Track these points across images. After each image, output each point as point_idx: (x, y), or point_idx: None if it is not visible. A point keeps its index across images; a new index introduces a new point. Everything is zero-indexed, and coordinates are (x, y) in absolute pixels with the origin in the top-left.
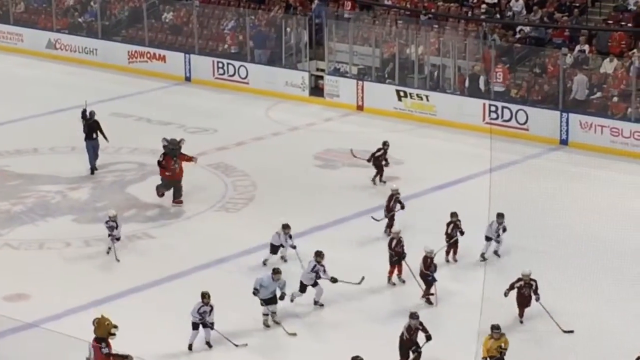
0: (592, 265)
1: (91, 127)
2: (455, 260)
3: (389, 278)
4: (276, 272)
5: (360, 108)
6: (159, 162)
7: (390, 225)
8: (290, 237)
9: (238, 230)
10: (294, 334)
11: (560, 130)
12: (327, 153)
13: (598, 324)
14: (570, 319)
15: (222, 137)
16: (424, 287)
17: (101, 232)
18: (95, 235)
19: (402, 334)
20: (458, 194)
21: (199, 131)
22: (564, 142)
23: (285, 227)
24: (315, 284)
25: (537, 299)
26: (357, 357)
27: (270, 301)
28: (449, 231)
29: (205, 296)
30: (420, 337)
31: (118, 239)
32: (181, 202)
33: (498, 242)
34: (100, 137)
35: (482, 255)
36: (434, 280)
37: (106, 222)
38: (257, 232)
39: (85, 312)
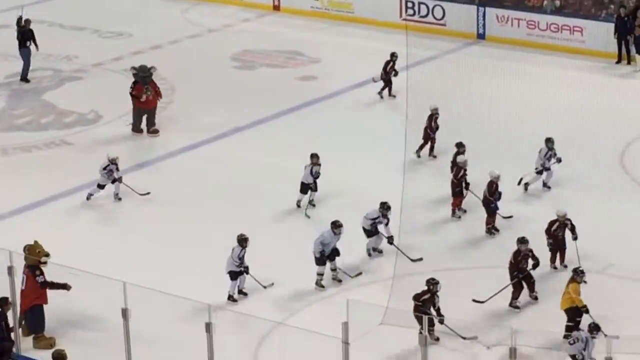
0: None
1: (25, 35)
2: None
3: (454, 211)
4: (337, 225)
5: (276, 8)
6: (131, 94)
7: (430, 147)
8: (318, 174)
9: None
10: (360, 274)
11: (477, 25)
12: (245, 54)
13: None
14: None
15: (138, 41)
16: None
17: (19, 140)
18: (12, 144)
19: (510, 260)
20: (376, 92)
21: (114, 36)
22: (481, 36)
23: (313, 156)
24: (374, 233)
25: (575, 238)
26: (432, 279)
27: (332, 257)
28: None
29: (246, 240)
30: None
31: (120, 180)
32: (157, 131)
33: (548, 170)
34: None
35: (525, 184)
36: (497, 208)
37: (104, 168)
38: (176, 135)
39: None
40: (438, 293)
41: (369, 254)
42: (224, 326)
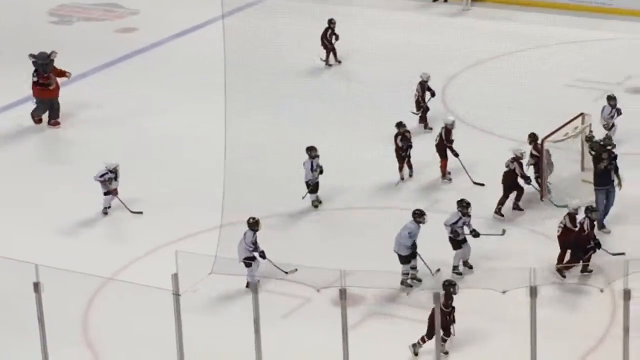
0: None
1: None
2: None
3: (444, 173)
4: (421, 214)
5: None
6: (35, 83)
7: (423, 118)
8: (319, 167)
9: None
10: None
11: None
12: (61, 9)
13: None
14: None
15: None
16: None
17: None
18: None
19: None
20: (197, 40)
21: None
22: None
23: (310, 149)
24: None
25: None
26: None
27: (415, 255)
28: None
29: (257, 223)
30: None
31: (115, 193)
32: (58, 123)
33: (613, 126)
34: None
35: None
36: (529, 181)
37: (101, 176)
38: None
39: None
40: (454, 295)
41: (459, 273)
42: (54, 285)
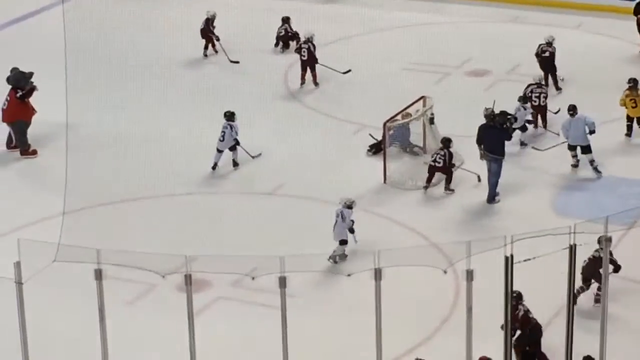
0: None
1: None
2: None
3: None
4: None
5: None
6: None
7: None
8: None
9: None
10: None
11: None
12: None
13: None
14: None
15: None
16: None
17: None
18: None
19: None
20: (35, 28)
21: None
22: None
23: (229, 116)
24: None
25: None
26: None
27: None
28: None
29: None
30: None
31: None
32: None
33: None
34: None
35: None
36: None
37: None
38: None
39: None
40: None
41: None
42: None
